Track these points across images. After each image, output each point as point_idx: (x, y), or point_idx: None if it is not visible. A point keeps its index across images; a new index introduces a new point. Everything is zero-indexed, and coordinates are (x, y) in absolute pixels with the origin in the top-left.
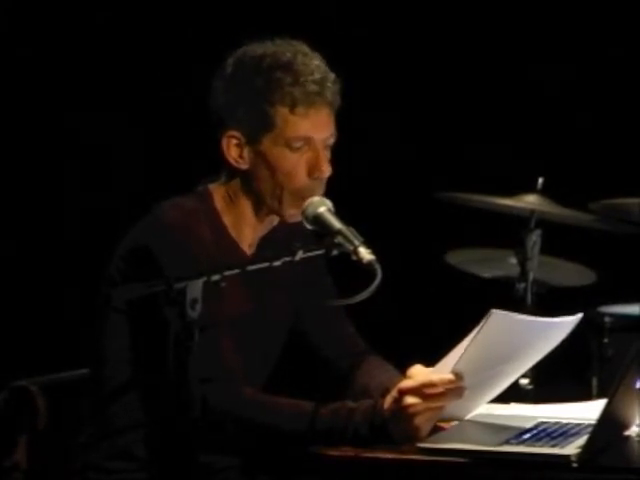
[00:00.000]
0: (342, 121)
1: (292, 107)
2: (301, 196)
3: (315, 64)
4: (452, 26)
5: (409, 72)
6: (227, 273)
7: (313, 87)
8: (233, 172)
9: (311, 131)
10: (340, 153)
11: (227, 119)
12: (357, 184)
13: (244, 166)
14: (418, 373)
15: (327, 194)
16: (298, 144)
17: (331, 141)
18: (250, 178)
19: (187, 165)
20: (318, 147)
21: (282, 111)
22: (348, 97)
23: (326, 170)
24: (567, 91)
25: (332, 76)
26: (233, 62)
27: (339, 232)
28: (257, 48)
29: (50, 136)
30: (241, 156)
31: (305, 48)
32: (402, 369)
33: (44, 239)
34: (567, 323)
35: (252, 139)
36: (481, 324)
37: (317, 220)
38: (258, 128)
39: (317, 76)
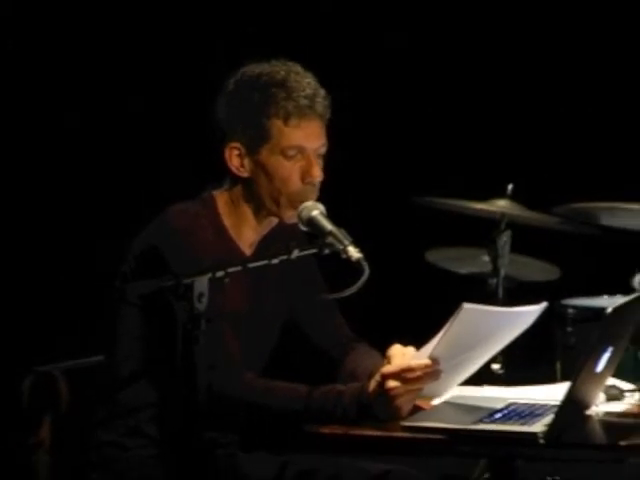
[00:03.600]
0: (330, 132)
1: (286, 119)
2: (297, 199)
3: (307, 81)
4: (426, 35)
5: (393, 84)
6: (230, 270)
7: (305, 101)
8: (235, 180)
9: (303, 141)
10: (333, 164)
11: (229, 132)
12: (345, 191)
13: (245, 174)
14: (397, 352)
15: (320, 199)
16: (292, 152)
17: (322, 150)
18: (251, 184)
19: (194, 173)
20: (310, 155)
21: (277, 123)
22: (334, 108)
23: (318, 176)
24: (533, 104)
25: (322, 92)
26: (234, 81)
27: (330, 233)
28: (255, 68)
29: (70, 138)
30: (242, 165)
31: (298, 67)
32: (384, 352)
33: (65, 241)
34: (532, 312)
35: (251, 149)
36: (454, 316)
37: (311, 222)
38: (256, 139)
39: (308, 92)
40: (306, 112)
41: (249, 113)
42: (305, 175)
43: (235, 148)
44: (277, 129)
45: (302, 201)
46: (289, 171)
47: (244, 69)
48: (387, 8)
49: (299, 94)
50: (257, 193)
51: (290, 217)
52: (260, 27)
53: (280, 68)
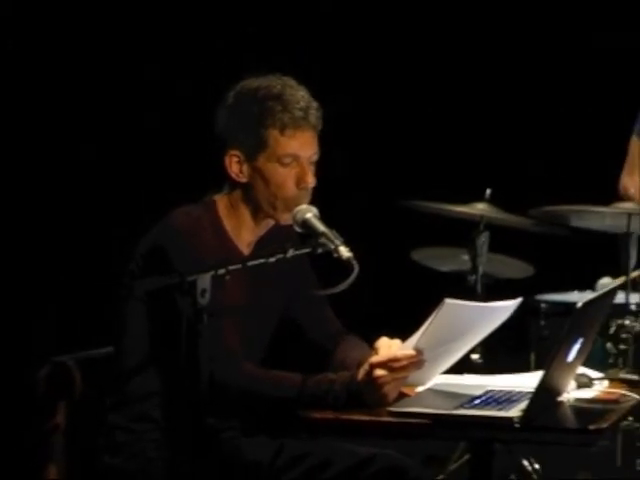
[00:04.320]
0: (324, 143)
1: (282, 130)
2: (291, 203)
3: (301, 94)
4: (408, 41)
5: (382, 95)
6: (231, 268)
7: (299, 113)
8: (234, 185)
9: (298, 150)
10: (327, 171)
11: (229, 141)
12: (337, 195)
13: (244, 180)
14: (384, 344)
15: (313, 202)
16: (288, 160)
17: (315, 158)
18: (249, 189)
19: (197, 179)
20: (304, 163)
21: (274, 133)
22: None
23: (311, 182)
24: (509, 117)
25: (315, 104)
26: (233, 94)
27: (323, 234)
28: (253, 82)
29: (79, 143)
30: (241, 171)
31: (292, 82)
32: (372, 344)
33: (81, 244)
34: (508, 307)
35: (250, 157)
36: (436, 310)
37: (305, 224)
38: (255, 148)
39: (302, 104)
40: (300, 123)
41: (248, 124)
42: (299, 181)
43: (234, 155)
44: (274, 139)
45: (296, 205)
46: (284, 177)
47: (243, 83)
48: (375, 17)
49: (294, 106)
50: (255, 197)
51: (285, 219)
52: (259, 34)
53: (276, 82)
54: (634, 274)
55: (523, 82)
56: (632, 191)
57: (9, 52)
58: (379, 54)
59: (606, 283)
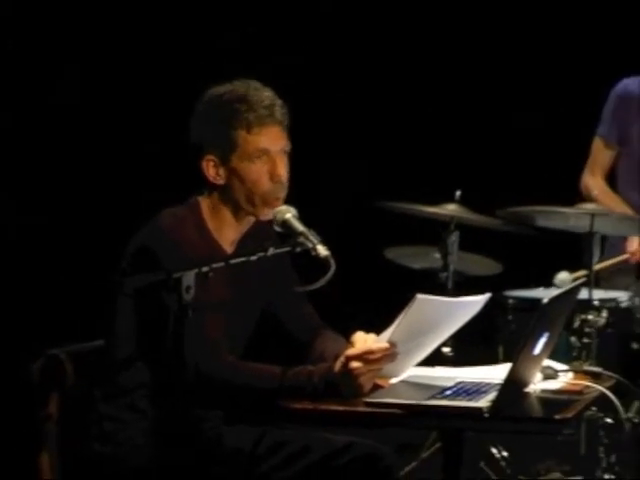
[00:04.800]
0: (303, 149)
1: (249, 129)
2: (269, 197)
3: (265, 94)
4: (382, 44)
5: (355, 100)
6: (214, 266)
7: (264, 111)
8: (213, 187)
9: (266, 144)
10: (307, 176)
11: (203, 147)
12: (315, 197)
13: (221, 181)
14: (360, 338)
15: (292, 204)
16: (257, 155)
17: (286, 150)
18: (227, 190)
19: (182, 182)
20: (275, 157)
21: (242, 133)
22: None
23: (283, 174)
24: (478, 123)
25: (279, 102)
26: (202, 102)
27: (302, 233)
28: (219, 89)
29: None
30: (218, 174)
31: (257, 84)
32: (349, 337)
33: (74, 244)
34: (477, 302)
35: (224, 159)
36: (409, 305)
37: (284, 224)
38: (227, 150)
39: (266, 102)
40: (266, 120)
41: (217, 128)
42: (272, 175)
43: (210, 160)
44: (242, 138)
45: (274, 199)
46: (258, 174)
47: (209, 91)
48: (347, 23)
49: (258, 105)
50: (234, 197)
51: (265, 214)
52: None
53: (240, 86)
54: (579, 273)
55: (489, 89)
56: (595, 192)
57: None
58: (355, 57)
59: (563, 277)
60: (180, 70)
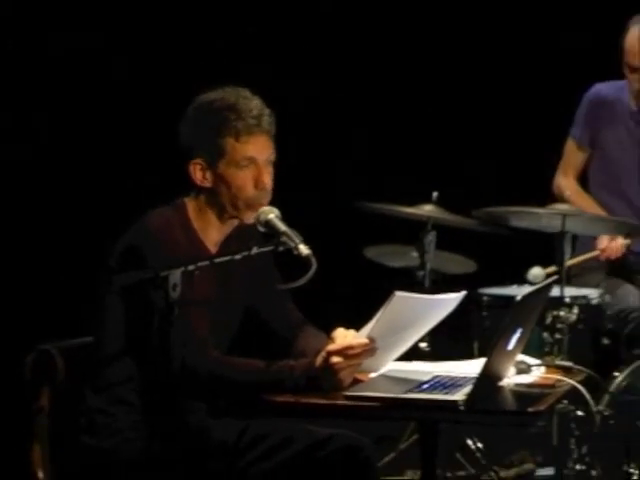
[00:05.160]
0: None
1: (237, 137)
2: (252, 203)
3: (254, 103)
4: (359, 47)
5: (334, 103)
6: (200, 264)
7: (252, 121)
8: (200, 190)
9: (253, 153)
10: (290, 178)
11: (192, 151)
12: (297, 198)
13: (208, 185)
14: (340, 334)
15: (275, 204)
16: (245, 163)
17: (271, 158)
18: (213, 193)
19: (169, 184)
20: (260, 165)
21: (230, 141)
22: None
23: (268, 183)
24: (453, 124)
25: (267, 111)
26: (192, 108)
27: (284, 233)
28: (209, 95)
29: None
30: (205, 177)
31: (247, 92)
32: (330, 333)
33: (66, 243)
34: (453, 299)
35: (211, 164)
36: (387, 302)
37: (267, 224)
38: (215, 155)
39: (255, 112)
40: (254, 130)
41: (207, 134)
42: (257, 182)
43: (198, 164)
44: (231, 145)
45: (257, 204)
46: (244, 180)
47: (200, 97)
48: (326, 26)
49: (247, 115)
50: (219, 200)
51: (248, 218)
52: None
53: (230, 94)
54: (551, 269)
55: (465, 95)
56: (568, 193)
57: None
58: (335, 58)
59: (536, 273)
60: (172, 70)
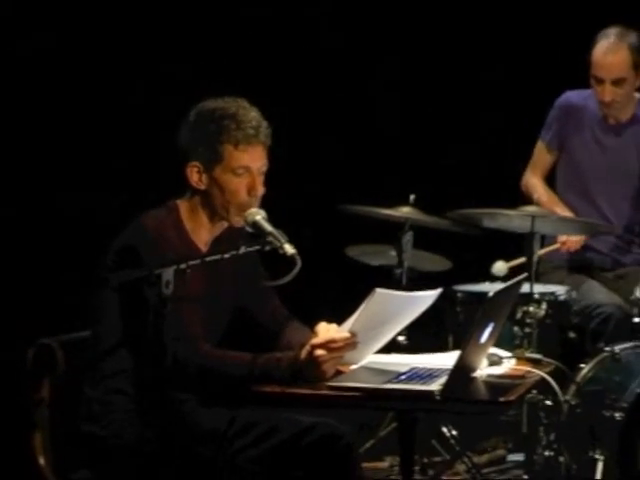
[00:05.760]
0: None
1: (236, 145)
2: (243, 209)
3: (252, 115)
4: (336, 50)
5: (316, 110)
6: (191, 263)
7: (251, 131)
8: (194, 192)
9: (249, 162)
10: (279, 183)
11: (190, 154)
12: (284, 200)
13: (203, 187)
14: (323, 328)
15: (263, 206)
16: (240, 171)
17: (264, 169)
18: (207, 196)
19: (163, 186)
20: (255, 174)
21: (229, 148)
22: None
23: (260, 190)
24: (430, 130)
25: (265, 123)
26: (194, 113)
27: (270, 233)
28: (211, 103)
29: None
30: (200, 180)
31: (246, 103)
32: (313, 328)
33: (65, 243)
34: (429, 296)
35: (208, 168)
36: (368, 299)
37: (255, 225)
38: (212, 160)
39: (254, 123)
40: (252, 140)
41: (207, 140)
42: (250, 190)
43: (195, 167)
44: (229, 153)
45: (247, 210)
46: (238, 186)
47: (202, 103)
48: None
49: (247, 125)
50: (212, 203)
51: (237, 222)
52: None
53: (231, 104)
54: (514, 262)
55: (441, 106)
56: (536, 196)
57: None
58: (312, 62)
59: (499, 266)
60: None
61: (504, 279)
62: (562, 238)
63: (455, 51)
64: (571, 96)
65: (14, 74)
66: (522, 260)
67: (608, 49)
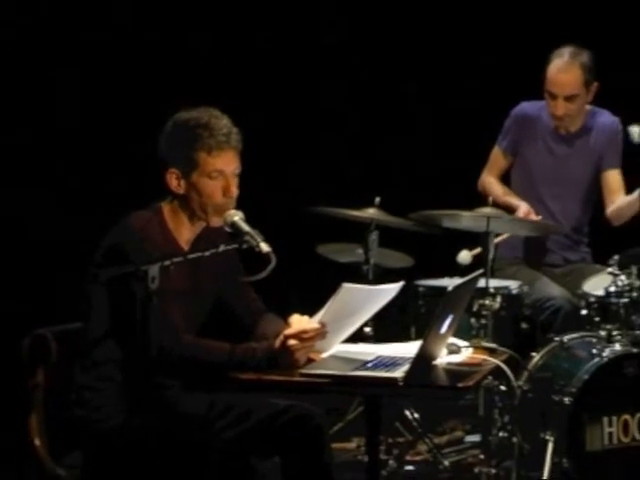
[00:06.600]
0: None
1: (209, 151)
2: (220, 209)
3: (224, 122)
4: (309, 53)
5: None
6: (175, 260)
7: (222, 138)
8: (174, 195)
9: (223, 166)
10: (253, 187)
11: (168, 162)
12: (259, 203)
13: (181, 192)
14: (296, 319)
15: (240, 208)
16: (215, 175)
17: (237, 171)
18: (186, 199)
19: (147, 189)
20: (228, 177)
21: (203, 155)
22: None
23: (234, 191)
24: (393, 135)
25: (235, 130)
26: (170, 124)
27: (248, 233)
28: (185, 114)
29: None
30: (179, 185)
31: (217, 112)
32: (287, 319)
33: (60, 241)
34: (393, 289)
35: (185, 174)
36: (336, 292)
37: (233, 225)
38: (188, 167)
39: (225, 130)
40: (223, 146)
41: (183, 148)
42: (225, 191)
43: (173, 173)
44: (203, 159)
45: (224, 210)
46: (213, 189)
47: (178, 115)
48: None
49: (218, 132)
50: (191, 205)
51: (215, 222)
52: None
53: (203, 114)
54: (475, 251)
55: (404, 113)
56: (490, 199)
57: None
58: (283, 63)
59: (464, 255)
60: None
61: (467, 268)
62: (522, 212)
63: (422, 54)
64: (526, 107)
65: None
66: (476, 252)
67: (562, 68)
